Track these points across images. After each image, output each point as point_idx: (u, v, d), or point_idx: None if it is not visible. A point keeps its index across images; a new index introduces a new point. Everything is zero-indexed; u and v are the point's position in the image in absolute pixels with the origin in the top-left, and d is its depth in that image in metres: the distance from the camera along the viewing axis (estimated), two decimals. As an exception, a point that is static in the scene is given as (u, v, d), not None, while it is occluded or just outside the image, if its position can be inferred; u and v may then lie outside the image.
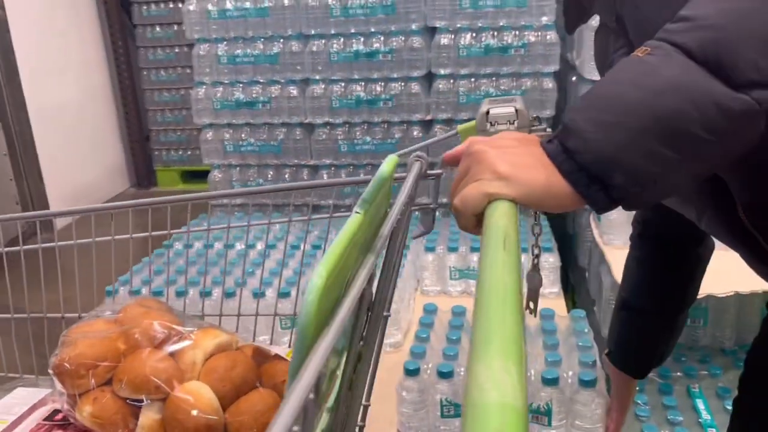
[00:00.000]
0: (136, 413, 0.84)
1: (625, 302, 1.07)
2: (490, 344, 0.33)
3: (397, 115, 2.15)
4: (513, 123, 0.75)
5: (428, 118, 2.16)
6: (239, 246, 2.01)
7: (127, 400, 0.84)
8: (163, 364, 0.85)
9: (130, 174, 4.28)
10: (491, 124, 0.75)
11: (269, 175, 2.32)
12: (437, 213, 0.85)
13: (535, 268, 0.85)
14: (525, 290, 0.87)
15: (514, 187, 0.56)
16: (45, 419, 0.96)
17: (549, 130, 0.75)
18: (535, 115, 0.77)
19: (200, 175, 4.11)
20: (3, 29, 3.16)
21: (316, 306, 0.40)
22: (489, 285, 0.40)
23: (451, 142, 0.88)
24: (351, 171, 2.27)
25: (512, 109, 0.75)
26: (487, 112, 0.75)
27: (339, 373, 0.57)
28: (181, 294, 1.59)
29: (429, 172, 0.77)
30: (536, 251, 0.85)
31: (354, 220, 0.47)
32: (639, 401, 1.43)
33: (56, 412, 0.96)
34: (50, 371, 0.89)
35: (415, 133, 2.17)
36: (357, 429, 0.78)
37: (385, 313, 0.74)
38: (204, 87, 2.26)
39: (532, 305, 0.85)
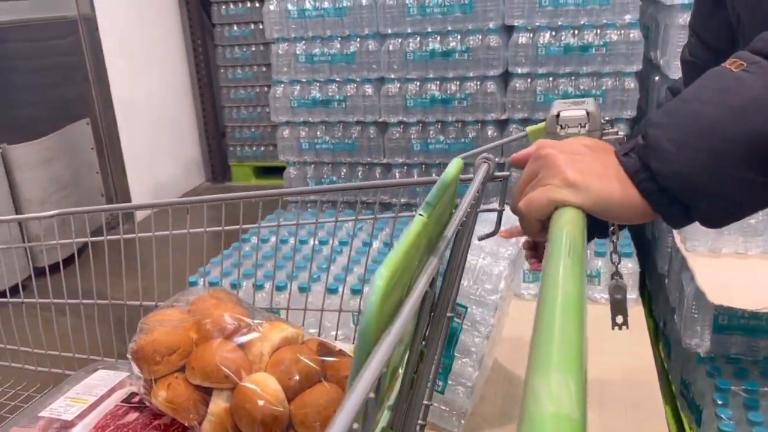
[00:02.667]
0: (206, 400, 0.87)
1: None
2: (549, 356, 0.33)
3: (472, 115, 2.13)
4: (584, 126, 0.73)
5: (504, 117, 2.13)
6: (312, 241, 2.05)
7: (198, 388, 0.87)
8: (232, 355, 0.88)
9: (206, 169, 4.43)
10: (561, 127, 0.74)
11: (342, 173, 2.35)
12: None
13: (617, 277, 0.83)
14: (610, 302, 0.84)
15: (583, 195, 0.54)
16: (123, 401, 1.00)
17: (621, 134, 0.72)
18: (607, 119, 0.75)
19: (273, 171, 4.20)
20: (92, 28, 3.32)
21: (377, 307, 0.40)
22: (551, 294, 0.40)
23: (521, 143, 0.86)
24: (423, 170, 2.28)
25: (583, 112, 0.73)
26: (558, 115, 0.74)
27: (400, 372, 0.57)
28: (259, 287, 1.64)
29: (496, 174, 0.76)
30: (615, 259, 0.83)
31: (417, 222, 0.48)
32: (723, 415, 1.37)
33: (133, 394, 1.00)
34: (129, 356, 0.93)
35: (489, 132, 2.15)
36: (418, 427, 0.79)
37: (448, 314, 0.74)
38: (282, 86, 2.31)
39: (619, 319, 0.81)
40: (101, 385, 1.04)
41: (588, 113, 0.73)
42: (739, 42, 0.77)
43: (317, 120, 2.30)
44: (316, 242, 2.01)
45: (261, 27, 3.84)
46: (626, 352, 1.35)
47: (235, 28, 4.01)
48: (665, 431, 1.19)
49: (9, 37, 2.87)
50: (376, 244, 1.96)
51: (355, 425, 0.33)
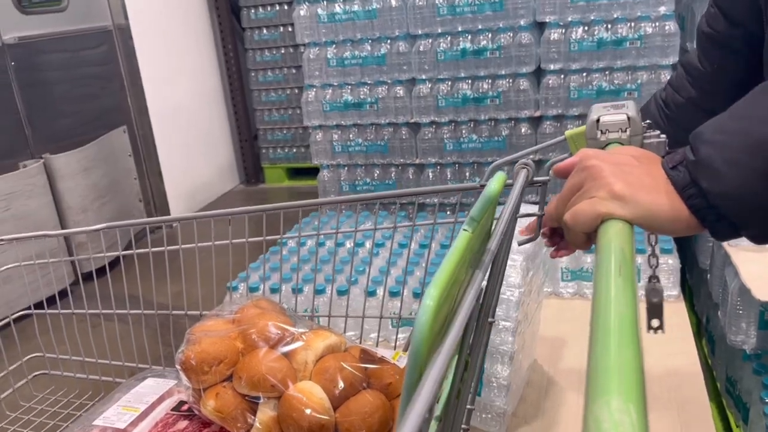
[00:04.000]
0: (253, 409, 0.89)
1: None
2: (608, 381, 0.32)
3: (505, 113, 2.12)
4: (625, 131, 0.72)
5: (537, 114, 2.12)
6: (348, 244, 2.06)
7: (246, 397, 0.89)
8: (278, 364, 0.90)
9: (239, 171, 4.48)
10: (602, 132, 0.72)
11: (376, 174, 2.36)
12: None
13: (654, 280, 0.82)
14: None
15: (631, 208, 0.54)
16: (172, 409, 1.03)
17: (663, 137, 0.71)
18: (648, 122, 0.73)
19: (305, 172, 4.24)
20: (126, 36, 3.38)
21: (428, 327, 0.40)
22: (603, 315, 0.39)
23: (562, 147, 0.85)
24: (456, 169, 2.27)
25: (624, 117, 0.71)
26: (598, 120, 0.72)
27: (447, 383, 0.58)
28: (296, 291, 1.66)
29: (535, 179, 0.75)
30: (653, 262, 0.82)
31: (463, 239, 0.48)
32: (767, 398, 1.35)
33: (182, 403, 1.02)
34: (177, 367, 0.95)
35: (523, 130, 2.14)
36: (462, 431, 0.79)
37: (489, 320, 0.74)
38: (314, 89, 2.33)
39: (655, 323, 0.80)
40: (151, 393, 1.06)
41: (629, 118, 0.71)
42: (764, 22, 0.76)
43: (349, 123, 2.31)
44: (353, 246, 2.03)
45: (290, 29, 3.87)
46: (670, 350, 1.34)
47: (265, 31, 4.05)
48: (711, 430, 1.18)
49: (46, 49, 2.94)
50: (413, 245, 1.97)
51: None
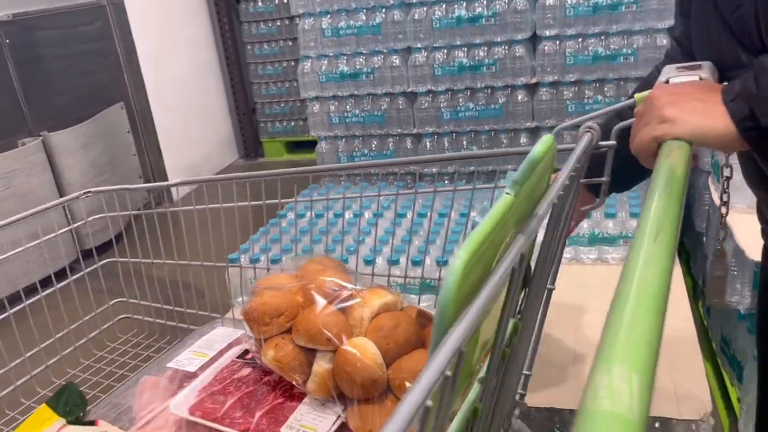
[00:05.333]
0: (310, 361, 0.92)
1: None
2: (614, 348, 0.31)
3: (501, 80, 2.12)
4: None
5: (533, 81, 2.11)
6: (348, 215, 2.08)
7: (303, 349, 0.93)
8: (334, 319, 0.93)
9: (238, 146, 4.48)
10: None
11: (373, 145, 2.36)
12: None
13: (721, 255, 0.82)
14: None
15: (680, 127, 0.59)
16: (238, 357, 1.08)
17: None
18: (724, 83, 0.71)
19: (304, 145, 4.23)
20: (120, 11, 3.36)
21: (456, 287, 0.41)
22: (629, 281, 0.37)
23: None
24: (453, 138, 2.28)
25: (696, 77, 0.69)
26: (667, 81, 0.70)
27: (481, 346, 0.58)
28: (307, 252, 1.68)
29: (600, 143, 0.73)
30: (723, 234, 0.82)
31: (503, 202, 0.48)
32: None
33: (246, 351, 1.07)
34: (241, 317, 0.99)
35: (519, 97, 2.13)
36: (518, 396, 0.81)
37: (549, 287, 0.75)
38: (309, 61, 2.32)
39: (714, 299, 0.77)
40: (220, 341, 1.12)
41: (701, 79, 0.69)
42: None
43: (346, 93, 2.31)
44: (371, 215, 2.04)
45: (285, 1, 3.83)
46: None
47: (260, 3, 4.01)
48: (706, 388, 1.20)
49: (41, 25, 2.93)
50: (431, 214, 1.98)
51: (429, 402, 0.33)
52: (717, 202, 1.77)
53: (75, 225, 1.29)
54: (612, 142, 0.74)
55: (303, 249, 1.78)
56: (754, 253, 1.41)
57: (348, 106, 2.33)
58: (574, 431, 0.27)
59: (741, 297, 1.55)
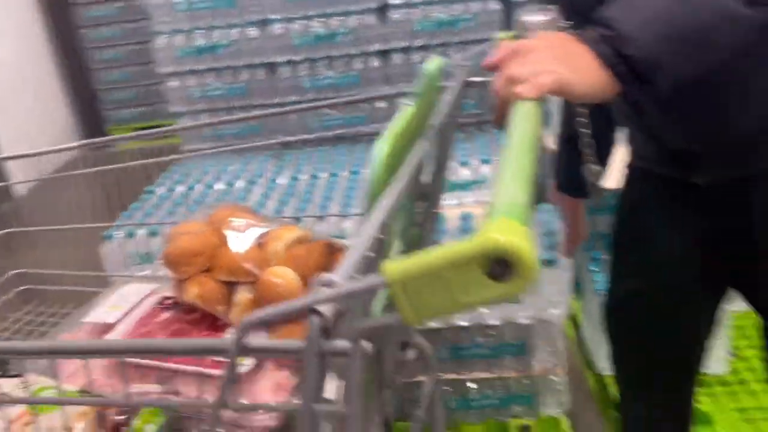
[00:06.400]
0: (232, 294, 0.99)
1: (570, 137, 1.15)
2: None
3: (356, 48, 2.25)
4: (550, 29, 0.80)
5: (386, 48, 2.27)
6: (218, 186, 2.11)
7: (225, 283, 0.99)
8: (252, 253, 1.00)
9: (81, 136, 4.25)
10: (528, 30, 0.80)
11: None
12: None
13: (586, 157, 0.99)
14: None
15: (570, 81, 0.65)
16: (157, 304, 1.09)
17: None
18: (570, 23, 0.82)
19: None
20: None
21: (383, 167, 0.53)
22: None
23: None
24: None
25: (549, 17, 0.80)
26: (524, 20, 0.80)
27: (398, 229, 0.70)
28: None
29: (472, 79, 0.82)
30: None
31: (404, 112, 0.60)
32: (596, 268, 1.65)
33: (165, 299, 1.09)
34: (160, 261, 1.03)
35: (374, 63, 2.28)
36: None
37: (433, 210, 0.87)
38: (164, 36, 2.30)
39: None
40: (135, 294, 1.12)
41: (553, 19, 0.80)
42: None
43: (204, 67, 2.32)
44: (225, 186, 2.09)
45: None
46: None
47: (92, -15, 3.83)
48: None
49: None
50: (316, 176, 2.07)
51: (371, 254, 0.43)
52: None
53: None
54: (485, 79, 0.82)
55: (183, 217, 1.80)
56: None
57: (208, 80, 2.34)
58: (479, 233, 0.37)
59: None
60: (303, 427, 0.39)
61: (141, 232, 1.81)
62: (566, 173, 1.27)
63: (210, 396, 0.93)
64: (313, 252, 1.03)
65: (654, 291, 1.13)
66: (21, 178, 3.57)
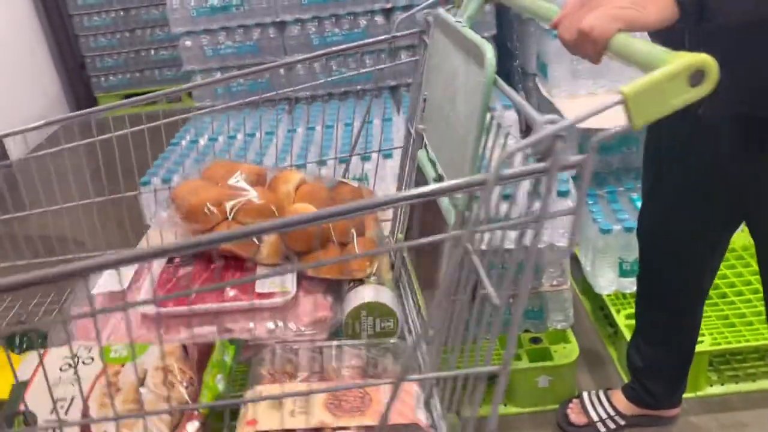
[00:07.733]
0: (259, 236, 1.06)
1: None
2: None
3: (362, 6, 2.40)
4: None
5: (389, 6, 2.42)
6: (239, 137, 2.25)
7: None
8: (270, 196, 1.12)
9: (70, 105, 4.28)
10: None
11: (249, 76, 2.52)
12: None
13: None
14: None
15: (646, 12, 0.68)
16: (167, 264, 1.10)
17: None
18: None
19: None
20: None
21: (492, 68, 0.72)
22: None
23: None
24: (324, 63, 2.52)
25: None
26: None
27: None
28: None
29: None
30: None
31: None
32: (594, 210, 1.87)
33: (171, 258, 1.10)
34: (179, 219, 1.09)
35: (378, 21, 2.44)
36: None
37: None
38: (178, -4, 2.41)
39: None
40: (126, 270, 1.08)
41: None
42: None
43: (217, 27, 2.44)
44: (243, 136, 2.23)
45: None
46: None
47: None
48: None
49: None
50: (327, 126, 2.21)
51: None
52: (545, 94, 2.22)
53: None
54: None
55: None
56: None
57: (221, 39, 2.46)
58: None
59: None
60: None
61: (176, 177, 1.94)
62: None
63: (259, 326, 0.99)
64: (318, 189, 1.18)
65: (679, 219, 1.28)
66: (13, 147, 3.62)
